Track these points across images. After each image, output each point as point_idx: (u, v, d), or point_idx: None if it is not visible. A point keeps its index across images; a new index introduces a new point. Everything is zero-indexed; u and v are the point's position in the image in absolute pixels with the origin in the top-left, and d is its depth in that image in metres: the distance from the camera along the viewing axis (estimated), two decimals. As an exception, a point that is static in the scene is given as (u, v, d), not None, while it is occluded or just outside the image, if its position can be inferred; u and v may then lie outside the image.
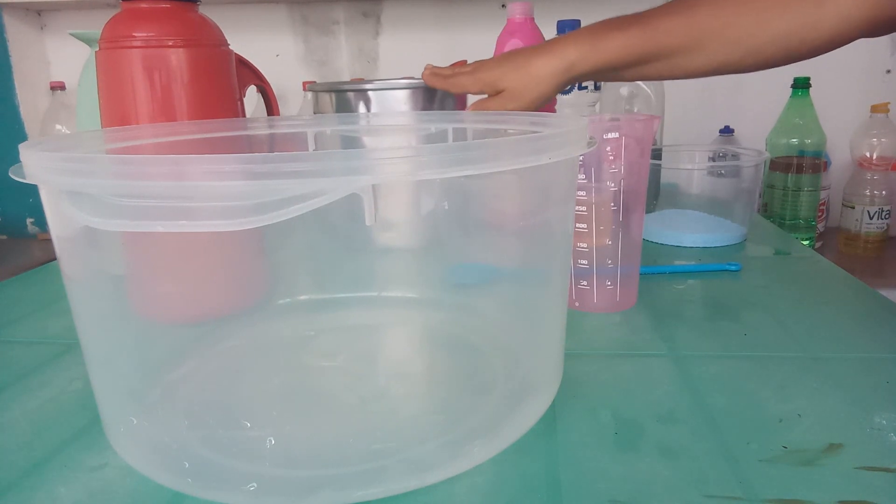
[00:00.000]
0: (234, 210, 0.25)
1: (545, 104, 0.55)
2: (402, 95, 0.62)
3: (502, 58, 0.56)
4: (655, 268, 0.62)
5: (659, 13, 0.50)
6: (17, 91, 1.30)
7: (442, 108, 0.63)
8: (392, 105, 0.62)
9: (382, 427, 0.36)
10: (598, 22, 0.53)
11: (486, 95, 0.56)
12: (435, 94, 0.62)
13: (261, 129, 0.51)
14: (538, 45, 0.55)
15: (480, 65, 0.56)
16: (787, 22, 0.47)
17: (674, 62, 0.51)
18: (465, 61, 0.73)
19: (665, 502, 0.30)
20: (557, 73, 0.52)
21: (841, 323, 0.49)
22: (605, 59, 0.51)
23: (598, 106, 0.84)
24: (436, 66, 0.60)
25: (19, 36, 1.30)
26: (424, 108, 0.62)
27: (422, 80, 0.61)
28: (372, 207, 0.27)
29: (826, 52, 0.48)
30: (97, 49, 0.49)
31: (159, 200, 0.26)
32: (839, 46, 0.47)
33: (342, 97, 0.62)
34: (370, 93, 0.61)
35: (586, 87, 0.80)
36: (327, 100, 0.63)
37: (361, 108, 0.62)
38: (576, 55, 0.51)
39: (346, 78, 1.32)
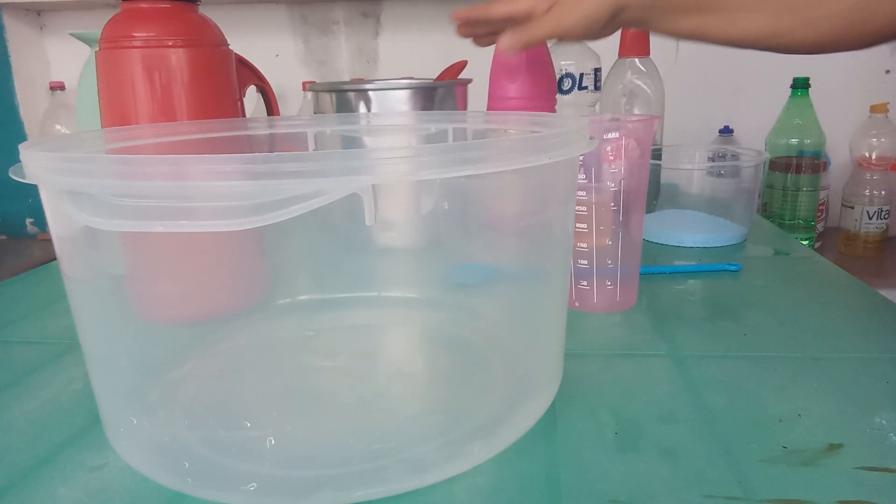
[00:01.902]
0: (234, 210, 0.25)
1: (589, 37, 0.51)
2: (402, 95, 0.62)
3: None
4: (655, 268, 0.62)
5: None
6: (17, 91, 1.30)
7: (442, 108, 0.63)
8: (392, 105, 0.62)
9: (382, 427, 0.36)
10: None
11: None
12: (435, 95, 0.62)
13: (261, 129, 0.51)
14: None
15: None
16: None
17: (725, 18, 0.47)
18: (466, 62, 0.73)
19: (665, 502, 0.30)
20: (608, 2, 0.47)
21: (841, 323, 0.49)
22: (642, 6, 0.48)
23: (598, 106, 0.84)
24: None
25: (19, 36, 1.30)
26: (424, 108, 0.62)
27: (422, 80, 0.61)
28: (372, 207, 0.27)
29: (879, 44, 0.45)
30: (97, 49, 0.49)
31: (159, 200, 0.26)
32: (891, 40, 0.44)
33: (342, 97, 0.62)
34: (370, 93, 0.61)
35: (586, 88, 0.80)
36: (327, 100, 0.63)
37: (362, 108, 0.62)
38: None
39: (346, 78, 1.32)
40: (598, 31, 0.50)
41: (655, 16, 0.49)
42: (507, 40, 0.49)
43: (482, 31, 0.54)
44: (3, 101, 1.29)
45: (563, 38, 0.50)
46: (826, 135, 1.07)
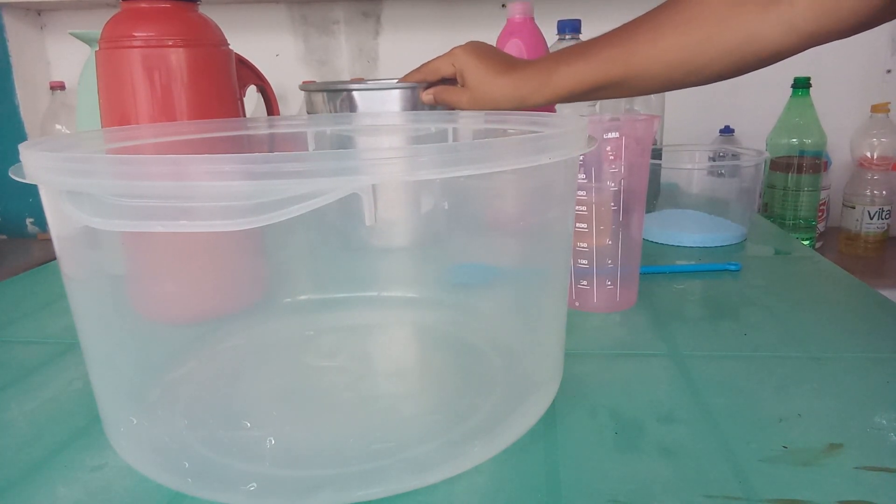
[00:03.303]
0: (234, 210, 0.25)
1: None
2: (394, 95, 0.61)
3: (479, 52, 0.57)
4: (655, 268, 0.62)
5: (603, 43, 0.52)
6: (17, 91, 1.30)
7: (439, 108, 0.63)
8: (384, 105, 0.62)
9: (382, 427, 0.36)
10: (554, 52, 0.55)
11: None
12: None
13: (261, 129, 0.51)
14: (507, 64, 0.56)
15: (456, 48, 0.58)
16: (728, 40, 0.47)
17: (621, 89, 0.52)
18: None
19: (665, 502, 0.30)
20: (512, 100, 0.55)
21: (841, 323, 0.49)
22: (556, 94, 0.54)
23: (598, 106, 0.84)
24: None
25: (19, 36, 1.30)
26: (416, 109, 0.62)
27: (418, 81, 0.61)
28: (372, 207, 0.27)
29: (776, 62, 0.48)
30: (97, 49, 0.49)
31: (159, 200, 0.26)
32: (789, 56, 0.47)
33: (333, 97, 0.62)
34: (362, 93, 0.61)
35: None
36: (320, 99, 0.63)
37: (353, 108, 0.62)
38: (528, 90, 0.54)
39: (346, 77, 1.32)
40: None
41: (557, 103, 0.56)
42: (425, 95, 0.61)
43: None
44: (3, 101, 1.29)
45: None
46: (827, 135, 1.07)
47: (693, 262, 0.65)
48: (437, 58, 0.59)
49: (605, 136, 0.48)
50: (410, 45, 1.29)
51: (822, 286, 0.58)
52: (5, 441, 0.36)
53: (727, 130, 1.22)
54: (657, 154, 0.77)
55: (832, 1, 0.43)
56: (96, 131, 0.43)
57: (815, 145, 1.06)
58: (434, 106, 0.61)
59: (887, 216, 1.13)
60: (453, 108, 0.60)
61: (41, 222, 1.35)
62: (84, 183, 0.27)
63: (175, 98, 0.49)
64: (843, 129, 1.17)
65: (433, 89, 0.60)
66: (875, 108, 1.11)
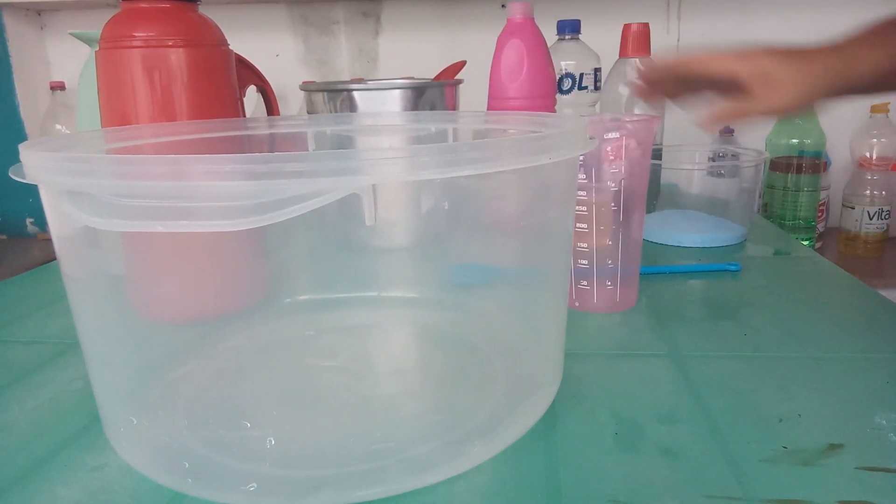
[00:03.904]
0: (234, 210, 0.25)
1: (797, 114, 0.49)
2: (391, 96, 0.61)
3: (760, 48, 0.46)
4: (655, 268, 0.62)
5: None
6: (17, 91, 1.30)
7: (430, 108, 0.63)
8: (388, 105, 0.62)
9: (382, 427, 0.36)
10: (834, 41, 0.46)
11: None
12: (423, 95, 0.62)
13: (261, 129, 0.51)
14: (789, 50, 0.46)
15: (745, 49, 0.46)
16: None
17: None
18: (465, 62, 0.73)
19: (665, 502, 0.30)
20: (811, 92, 0.45)
21: (841, 323, 0.49)
22: (863, 79, 0.45)
23: (598, 106, 0.84)
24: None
25: (19, 36, 1.30)
26: (413, 109, 0.62)
27: (414, 80, 0.60)
28: (372, 207, 0.27)
29: None
30: (97, 49, 0.49)
31: (159, 200, 0.26)
32: None
33: (333, 97, 0.62)
34: (359, 93, 0.61)
35: (586, 88, 0.80)
36: (319, 99, 0.63)
37: (357, 108, 0.62)
38: (830, 77, 0.45)
39: (346, 78, 1.32)
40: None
41: (861, 92, 0.47)
42: (721, 114, 0.47)
43: (666, 87, 0.50)
44: (3, 101, 1.29)
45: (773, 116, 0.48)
46: (826, 135, 1.07)
47: (693, 263, 0.65)
48: (724, 56, 0.46)
49: (605, 137, 0.48)
50: (410, 45, 1.29)
51: (821, 286, 0.58)
52: (5, 441, 0.36)
53: (727, 130, 1.21)
54: (657, 154, 0.77)
55: None
56: (96, 131, 0.43)
57: (814, 145, 1.06)
58: (435, 106, 0.61)
59: (887, 216, 1.13)
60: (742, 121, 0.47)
61: (41, 222, 1.35)
62: (84, 183, 0.27)
63: (175, 98, 0.49)
64: (842, 129, 1.16)
65: (718, 114, 0.47)
66: (875, 109, 1.11)
